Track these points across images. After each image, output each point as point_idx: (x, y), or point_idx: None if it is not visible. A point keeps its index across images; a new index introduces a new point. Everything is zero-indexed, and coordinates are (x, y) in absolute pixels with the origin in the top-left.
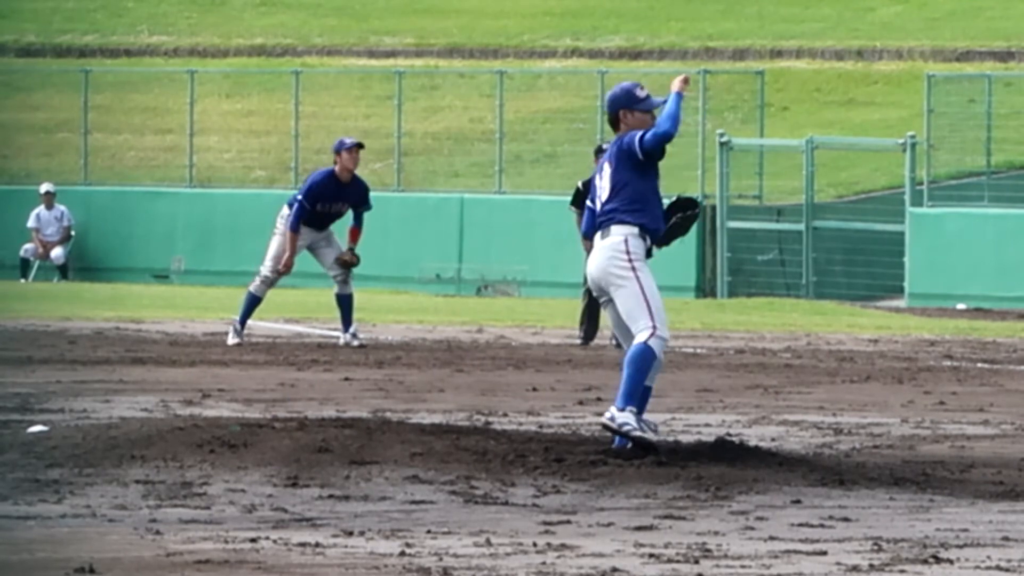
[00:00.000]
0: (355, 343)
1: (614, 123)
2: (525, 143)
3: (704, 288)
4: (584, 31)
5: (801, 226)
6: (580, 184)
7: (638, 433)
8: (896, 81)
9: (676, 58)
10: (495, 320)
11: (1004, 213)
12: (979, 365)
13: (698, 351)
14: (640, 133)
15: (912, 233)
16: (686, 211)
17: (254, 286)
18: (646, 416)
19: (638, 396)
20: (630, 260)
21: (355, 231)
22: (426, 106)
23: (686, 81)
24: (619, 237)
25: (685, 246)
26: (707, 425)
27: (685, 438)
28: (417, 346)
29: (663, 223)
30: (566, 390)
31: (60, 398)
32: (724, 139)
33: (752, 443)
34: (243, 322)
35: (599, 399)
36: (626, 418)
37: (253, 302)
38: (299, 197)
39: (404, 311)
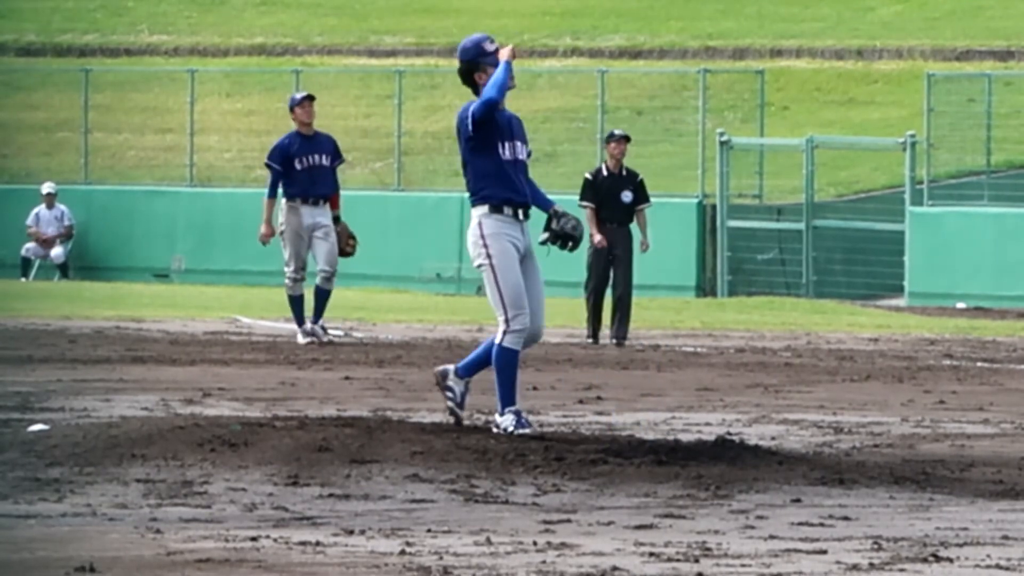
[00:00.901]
0: (325, 339)
1: (470, 81)
2: None
3: (704, 287)
4: (584, 30)
5: (801, 225)
6: (588, 175)
7: (524, 431)
8: (896, 80)
9: (676, 57)
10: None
11: (1004, 212)
12: (979, 364)
13: (698, 350)
14: (471, 109)
15: (912, 232)
16: (564, 241)
17: (289, 288)
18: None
19: (513, 395)
20: (485, 245)
21: (334, 197)
22: (426, 105)
23: (513, 53)
24: (475, 220)
25: (685, 246)
26: (707, 424)
27: (685, 437)
28: (417, 345)
29: (518, 191)
30: (566, 389)
31: (60, 397)
32: (724, 138)
33: (752, 442)
34: (300, 323)
35: (599, 398)
36: (507, 422)
37: (297, 302)
38: (265, 162)
39: (404, 310)
